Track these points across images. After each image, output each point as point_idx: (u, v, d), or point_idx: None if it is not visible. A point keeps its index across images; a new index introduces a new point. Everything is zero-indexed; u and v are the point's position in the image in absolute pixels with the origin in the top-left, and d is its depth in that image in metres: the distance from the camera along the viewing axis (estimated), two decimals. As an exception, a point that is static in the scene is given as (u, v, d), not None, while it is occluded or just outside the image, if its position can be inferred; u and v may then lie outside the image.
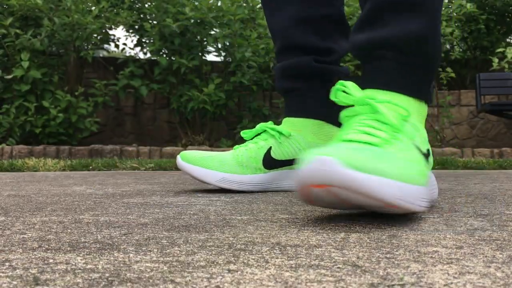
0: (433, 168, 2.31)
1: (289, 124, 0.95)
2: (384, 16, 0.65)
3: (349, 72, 0.99)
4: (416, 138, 0.58)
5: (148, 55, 4.15)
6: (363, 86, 0.62)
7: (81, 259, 0.36)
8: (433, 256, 0.36)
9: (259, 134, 0.95)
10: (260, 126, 0.94)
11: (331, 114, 0.90)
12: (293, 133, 0.93)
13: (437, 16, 0.65)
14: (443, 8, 4.17)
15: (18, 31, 3.54)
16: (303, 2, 0.94)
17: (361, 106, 0.59)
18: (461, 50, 4.99)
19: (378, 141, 0.53)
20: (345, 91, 0.60)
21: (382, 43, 0.64)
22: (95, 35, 3.85)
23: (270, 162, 0.91)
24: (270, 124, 0.94)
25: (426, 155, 0.60)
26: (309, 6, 0.94)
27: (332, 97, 0.61)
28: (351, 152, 0.47)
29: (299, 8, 0.94)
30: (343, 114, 0.61)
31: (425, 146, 0.60)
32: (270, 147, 0.92)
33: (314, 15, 0.94)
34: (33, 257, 0.36)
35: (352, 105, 0.60)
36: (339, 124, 0.88)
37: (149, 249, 0.39)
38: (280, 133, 0.93)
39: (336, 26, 0.96)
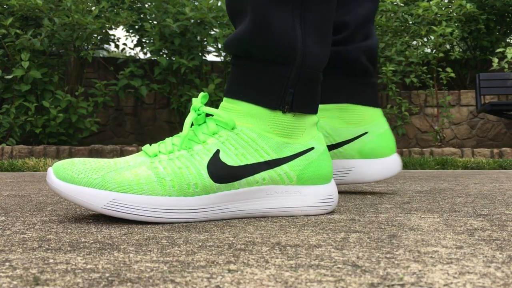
0: (433, 168, 2.31)
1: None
2: (232, 22, 0.66)
3: (374, 43, 0.89)
4: (229, 149, 0.58)
5: (148, 55, 4.16)
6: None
7: (81, 259, 0.36)
8: (433, 256, 0.36)
9: None
10: None
11: (355, 95, 0.87)
12: (320, 120, 0.87)
13: (266, 15, 0.59)
14: (443, 8, 4.17)
15: (18, 31, 3.54)
16: None
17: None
18: (461, 50, 5.00)
19: (155, 150, 0.58)
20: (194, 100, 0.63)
21: (225, 47, 0.65)
22: (95, 35, 3.85)
23: None
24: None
25: (269, 162, 0.59)
26: None
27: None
28: (64, 164, 0.56)
29: None
30: None
31: (262, 155, 0.59)
32: None
33: None
34: (33, 257, 0.36)
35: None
36: (369, 103, 0.87)
37: (149, 249, 0.39)
38: None
39: None
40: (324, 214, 0.61)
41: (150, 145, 0.60)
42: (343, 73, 0.87)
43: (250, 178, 0.58)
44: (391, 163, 0.87)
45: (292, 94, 0.60)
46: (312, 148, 0.62)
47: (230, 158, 0.58)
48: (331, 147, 0.86)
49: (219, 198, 0.57)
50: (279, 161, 0.60)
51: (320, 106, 0.87)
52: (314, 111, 0.64)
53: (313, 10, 0.61)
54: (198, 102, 0.61)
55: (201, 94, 0.62)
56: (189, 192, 0.55)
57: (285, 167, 0.60)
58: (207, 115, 0.62)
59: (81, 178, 0.53)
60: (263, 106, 0.60)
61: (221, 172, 0.57)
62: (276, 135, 0.60)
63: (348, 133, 0.86)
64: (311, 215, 0.61)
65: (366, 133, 0.86)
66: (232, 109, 0.61)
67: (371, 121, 0.87)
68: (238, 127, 0.59)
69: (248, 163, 0.58)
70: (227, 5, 0.65)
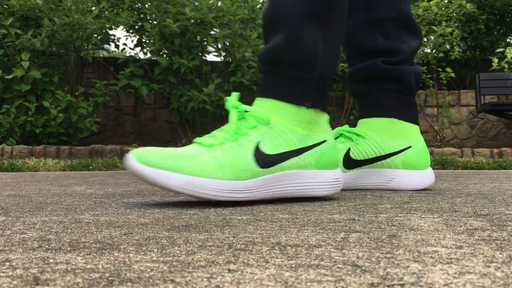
0: (433, 168, 2.31)
1: (364, 124, 1.01)
2: (265, 34, 0.79)
3: (420, 70, 1.03)
4: (268, 140, 0.71)
5: (148, 55, 4.15)
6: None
7: (81, 259, 0.36)
8: (433, 256, 0.36)
9: (336, 138, 1.00)
10: (337, 130, 0.99)
11: (402, 111, 0.99)
12: (369, 133, 0.99)
13: (297, 28, 0.74)
14: (443, 8, 4.17)
15: (18, 31, 3.54)
16: (367, 7, 0.99)
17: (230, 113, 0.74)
18: (461, 50, 4.99)
19: (210, 142, 0.69)
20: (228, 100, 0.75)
21: (259, 58, 0.78)
22: (95, 35, 3.85)
23: (349, 162, 0.97)
24: (346, 127, 1.00)
25: (297, 151, 0.73)
26: (374, 11, 0.99)
27: (225, 106, 0.75)
28: (144, 151, 0.65)
29: (364, 13, 1.00)
30: None
31: (291, 145, 0.72)
32: (349, 149, 0.97)
33: (378, 19, 0.99)
34: (33, 257, 0.36)
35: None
36: (411, 120, 0.99)
37: (149, 249, 0.39)
38: (357, 134, 0.98)
39: (401, 26, 1.01)
40: (334, 193, 0.78)
41: (201, 137, 0.71)
42: (396, 90, 1.00)
43: (283, 163, 0.71)
44: (429, 174, 0.98)
45: (314, 93, 0.76)
46: (325, 140, 0.77)
47: (268, 148, 0.70)
48: (380, 158, 0.98)
49: (262, 181, 0.69)
50: (303, 149, 0.74)
51: (370, 119, 1.00)
52: (326, 109, 0.79)
53: (332, 31, 0.77)
54: (236, 100, 0.74)
55: (235, 94, 0.75)
56: (242, 176, 0.67)
57: (306, 154, 0.74)
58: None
59: (161, 163, 0.64)
60: (291, 102, 0.74)
61: (263, 159, 0.69)
62: (300, 128, 0.74)
63: (395, 145, 0.97)
64: (325, 195, 0.76)
65: (410, 147, 0.97)
66: (264, 105, 0.74)
67: (413, 136, 0.99)
68: (272, 122, 0.72)
69: (281, 151, 0.71)
70: (265, 21, 0.78)
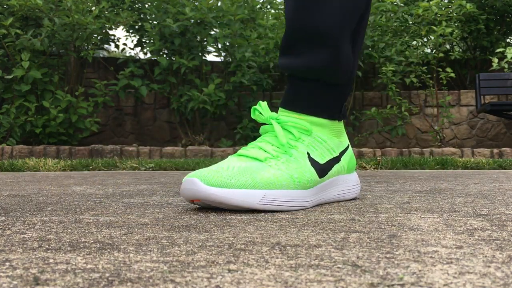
0: (433, 168, 2.31)
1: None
2: (299, 46, 0.73)
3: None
4: (314, 150, 0.71)
5: (148, 55, 4.15)
6: (281, 104, 0.75)
7: (81, 259, 0.36)
8: (433, 256, 0.36)
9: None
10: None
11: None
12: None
13: (340, 47, 0.72)
14: (443, 8, 4.17)
15: (18, 31, 3.54)
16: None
17: (268, 125, 0.73)
18: (461, 50, 4.99)
19: (265, 156, 0.68)
20: (259, 111, 0.73)
21: (294, 70, 0.74)
22: (95, 35, 3.85)
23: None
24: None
25: (336, 158, 0.74)
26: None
27: (252, 115, 0.74)
28: (208, 172, 0.62)
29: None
30: (260, 130, 0.74)
31: (332, 153, 0.74)
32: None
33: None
34: (33, 257, 0.36)
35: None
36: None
37: (149, 249, 0.39)
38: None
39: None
40: (356, 197, 0.79)
41: (247, 149, 0.70)
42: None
43: (330, 171, 0.73)
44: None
45: (345, 106, 0.77)
46: (349, 145, 0.79)
47: (318, 157, 0.71)
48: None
49: (318, 189, 0.70)
50: (339, 156, 0.76)
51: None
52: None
53: (358, 41, 0.76)
54: (269, 112, 0.73)
55: (263, 103, 0.74)
56: (307, 186, 0.68)
57: (342, 160, 0.76)
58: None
59: (234, 182, 0.62)
60: (328, 119, 0.74)
61: (318, 168, 0.70)
62: (334, 136, 0.75)
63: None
64: (356, 197, 0.79)
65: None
66: (301, 118, 0.73)
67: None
68: (314, 133, 0.72)
69: (327, 159, 0.73)
70: (302, 33, 0.72)
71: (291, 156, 0.68)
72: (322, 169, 0.71)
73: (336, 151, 0.74)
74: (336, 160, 0.74)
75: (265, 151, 0.68)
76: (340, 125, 0.77)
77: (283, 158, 0.68)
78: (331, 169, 0.72)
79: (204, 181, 0.61)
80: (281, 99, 0.76)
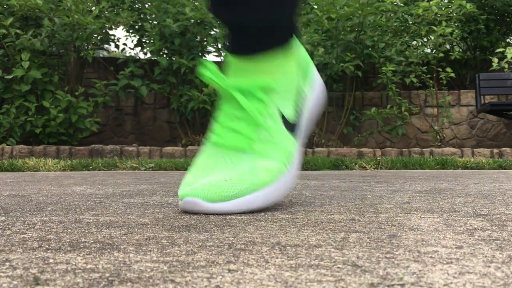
0: (433, 168, 2.31)
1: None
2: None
3: None
4: (284, 104, 0.66)
5: (148, 55, 4.15)
6: (231, 51, 0.66)
7: (81, 259, 0.36)
8: (433, 256, 0.36)
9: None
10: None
11: None
12: None
13: None
14: (443, 8, 4.17)
15: (18, 31, 3.54)
16: None
17: (228, 96, 0.65)
18: (461, 50, 4.99)
19: (246, 142, 0.64)
20: (210, 75, 0.65)
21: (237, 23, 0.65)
22: (95, 35, 3.85)
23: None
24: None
25: (303, 96, 0.70)
26: None
27: (198, 75, 0.65)
28: (208, 188, 0.60)
29: None
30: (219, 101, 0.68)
31: (289, 104, 0.67)
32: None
33: None
34: (33, 257, 0.36)
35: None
36: None
37: (149, 249, 0.39)
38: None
39: None
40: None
41: (221, 136, 0.65)
42: None
43: (301, 119, 0.71)
44: None
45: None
46: (300, 46, 0.73)
47: (290, 111, 0.68)
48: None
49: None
50: (306, 87, 0.74)
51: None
52: None
53: None
54: (224, 78, 0.66)
55: (212, 67, 0.66)
56: (293, 160, 0.67)
57: (305, 90, 0.73)
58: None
59: (235, 193, 0.61)
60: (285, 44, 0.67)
61: (293, 130, 0.68)
62: (295, 67, 0.69)
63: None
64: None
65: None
66: (251, 69, 0.66)
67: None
68: (277, 82, 0.67)
69: (297, 109, 0.70)
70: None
71: (269, 131, 0.64)
72: (294, 125, 0.68)
73: (303, 84, 0.70)
74: (303, 98, 0.70)
75: (242, 134, 0.64)
76: (296, 42, 0.68)
77: (263, 136, 0.64)
78: (302, 116, 0.70)
79: (206, 200, 0.60)
80: (228, 47, 0.67)
